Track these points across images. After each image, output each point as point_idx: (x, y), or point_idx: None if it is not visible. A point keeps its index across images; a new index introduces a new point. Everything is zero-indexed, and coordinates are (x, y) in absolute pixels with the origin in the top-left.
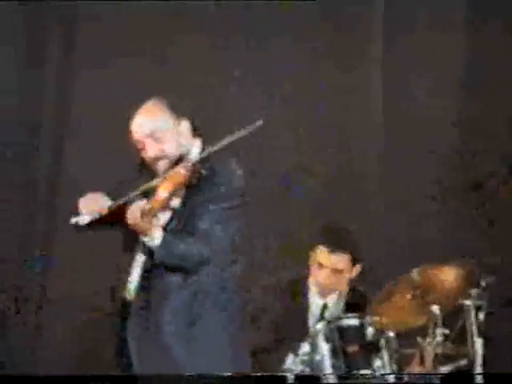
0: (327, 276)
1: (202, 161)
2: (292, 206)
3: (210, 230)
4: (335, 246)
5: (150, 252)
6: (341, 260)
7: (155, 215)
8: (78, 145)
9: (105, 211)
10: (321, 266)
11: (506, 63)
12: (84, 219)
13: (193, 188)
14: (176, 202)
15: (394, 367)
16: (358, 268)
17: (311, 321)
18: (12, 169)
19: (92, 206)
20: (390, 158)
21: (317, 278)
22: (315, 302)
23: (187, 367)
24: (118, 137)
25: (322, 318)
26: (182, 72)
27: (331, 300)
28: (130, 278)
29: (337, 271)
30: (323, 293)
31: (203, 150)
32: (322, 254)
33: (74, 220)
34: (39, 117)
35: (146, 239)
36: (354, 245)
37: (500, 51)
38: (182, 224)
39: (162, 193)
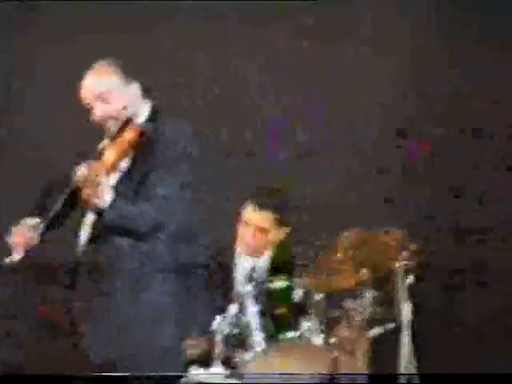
0: (252, 234)
1: (151, 123)
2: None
3: (163, 195)
4: (261, 203)
5: (99, 213)
6: (265, 218)
7: (103, 177)
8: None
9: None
10: (246, 223)
11: None
12: (15, 257)
13: (142, 151)
14: (124, 164)
15: (323, 329)
16: (284, 231)
17: (240, 282)
18: None
19: (21, 239)
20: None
21: (242, 237)
22: (243, 263)
23: (135, 331)
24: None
25: (250, 280)
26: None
27: (260, 262)
28: (78, 240)
29: (261, 230)
30: (249, 253)
31: (153, 112)
32: (247, 211)
33: (6, 260)
34: None
35: (95, 201)
36: (280, 205)
37: None
38: (133, 187)
39: (108, 156)
